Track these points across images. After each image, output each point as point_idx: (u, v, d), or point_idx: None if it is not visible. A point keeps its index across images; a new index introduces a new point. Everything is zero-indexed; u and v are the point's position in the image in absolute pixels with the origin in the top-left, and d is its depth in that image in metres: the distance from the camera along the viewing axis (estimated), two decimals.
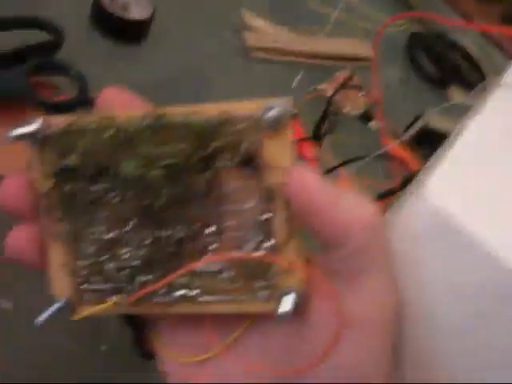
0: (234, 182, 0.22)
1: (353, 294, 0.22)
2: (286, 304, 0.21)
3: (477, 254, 0.24)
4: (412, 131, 0.57)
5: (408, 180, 0.51)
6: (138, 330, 0.36)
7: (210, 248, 0.22)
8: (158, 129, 0.22)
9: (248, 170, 0.21)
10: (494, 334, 0.25)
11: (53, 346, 0.36)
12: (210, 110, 0.21)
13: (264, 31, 0.61)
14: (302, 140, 0.53)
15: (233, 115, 0.21)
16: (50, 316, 0.24)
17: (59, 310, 0.24)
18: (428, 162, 0.39)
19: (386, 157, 0.57)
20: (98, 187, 0.23)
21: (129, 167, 0.22)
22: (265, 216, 0.21)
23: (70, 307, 0.24)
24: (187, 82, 0.54)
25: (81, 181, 0.23)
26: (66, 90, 0.46)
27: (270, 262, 0.22)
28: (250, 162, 0.21)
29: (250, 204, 0.22)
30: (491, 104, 0.29)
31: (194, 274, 0.23)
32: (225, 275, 0.22)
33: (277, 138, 0.20)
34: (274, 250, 0.22)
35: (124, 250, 0.23)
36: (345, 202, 0.21)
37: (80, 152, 0.22)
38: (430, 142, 0.57)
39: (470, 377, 0.27)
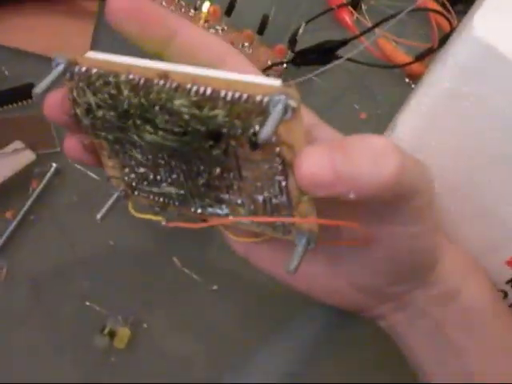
0: (247, 152, 0.22)
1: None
2: (296, 256, 0.22)
3: None
4: None
5: (446, 38, 0.52)
6: None
7: (235, 186, 0.23)
8: (170, 99, 0.21)
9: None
10: None
11: (123, 226, 0.40)
12: (219, 84, 0.20)
13: None
14: (339, 6, 0.53)
15: (242, 98, 0.20)
16: (110, 208, 0.27)
17: (117, 200, 0.27)
18: (464, 19, 0.40)
19: (423, 17, 0.57)
20: (127, 124, 0.23)
21: (146, 137, 0.22)
22: (278, 178, 0.22)
23: (124, 198, 0.27)
24: None
25: (111, 120, 0.23)
26: None
27: (289, 222, 0.23)
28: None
29: (265, 166, 0.22)
30: None
31: (220, 201, 0.24)
32: (247, 208, 0.24)
33: (287, 122, 0.20)
34: (287, 205, 0.22)
35: (161, 171, 0.25)
36: (363, 172, 0.20)
37: (101, 103, 0.23)
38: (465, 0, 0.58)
39: None
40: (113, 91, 0.22)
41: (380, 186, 0.20)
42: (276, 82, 0.20)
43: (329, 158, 0.20)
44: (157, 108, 0.21)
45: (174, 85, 0.21)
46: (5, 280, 0.36)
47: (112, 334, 0.35)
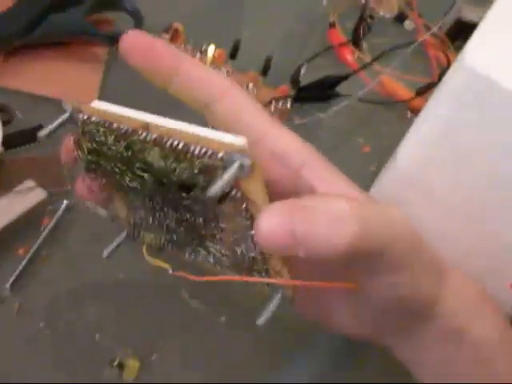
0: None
1: None
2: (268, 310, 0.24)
3: None
4: (445, 20, 0.58)
5: (444, 73, 0.53)
6: None
7: (217, 236, 0.24)
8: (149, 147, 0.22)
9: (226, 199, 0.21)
10: None
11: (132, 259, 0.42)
12: (189, 138, 0.21)
13: None
14: (341, 45, 0.55)
15: (206, 154, 0.21)
16: (117, 246, 0.28)
17: (125, 239, 0.28)
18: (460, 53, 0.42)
19: (423, 53, 0.59)
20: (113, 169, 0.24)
21: (128, 183, 0.23)
22: (249, 232, 0.22)
23: (132, 238, 0.28)
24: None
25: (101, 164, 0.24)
26: (123, 24, 0.50)
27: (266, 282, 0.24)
28: (226, 195, 0.21)
29: (238, 220, 0.22)
30: None
31: (207, 250, 0.25)
32: (230, 259, 0.25)
33: (246, 180, 0.20)
34: (261, 259, 0.23)
35: (156, 216, 0.26)
36: (319, 235, 0.20)
37: (95, 152, 0.24)
38: (465, 35, 0.59)
39: None
40: (101, 138, 0.23)
41: (336, 249, 0.20)
42: (238, 140, 0.20)
43: (288, 219, 0.20)
44: (135, 158, 0.22)
45: (154, 137, 0.22)
46: (17, 315, 0.36)
47: (121, 366, 0.35)
